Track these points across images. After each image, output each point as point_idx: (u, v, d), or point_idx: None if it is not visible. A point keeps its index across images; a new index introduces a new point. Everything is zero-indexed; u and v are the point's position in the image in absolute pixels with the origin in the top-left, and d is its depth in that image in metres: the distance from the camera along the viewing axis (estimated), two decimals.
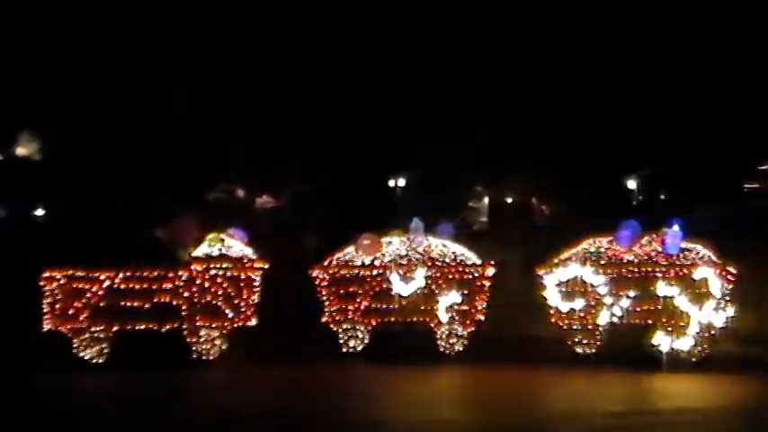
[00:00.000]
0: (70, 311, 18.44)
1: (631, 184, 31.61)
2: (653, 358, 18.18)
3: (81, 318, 18.44)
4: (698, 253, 18.53)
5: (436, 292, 18.94)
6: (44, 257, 19.36)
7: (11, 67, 28.83)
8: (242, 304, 18.71)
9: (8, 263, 21.11)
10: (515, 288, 20.41)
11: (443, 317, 18.86)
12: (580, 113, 29.25)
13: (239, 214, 25.92)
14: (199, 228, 19.52)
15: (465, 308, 18.94)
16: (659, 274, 18.42)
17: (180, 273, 18.60)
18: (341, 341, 19.07)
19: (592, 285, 18.58)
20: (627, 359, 18.05)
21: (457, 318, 18.93)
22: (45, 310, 18.46)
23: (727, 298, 18.23)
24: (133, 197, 27.07)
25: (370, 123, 29.45)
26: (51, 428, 14.06)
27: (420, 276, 18.98)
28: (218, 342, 18.72)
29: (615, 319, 18.54)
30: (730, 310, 18.22)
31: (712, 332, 18.24)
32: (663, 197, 31.15)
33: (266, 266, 18.91)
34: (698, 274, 18.28)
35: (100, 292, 18.46)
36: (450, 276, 19.01)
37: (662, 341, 18.24)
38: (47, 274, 18.50)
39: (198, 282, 18.60)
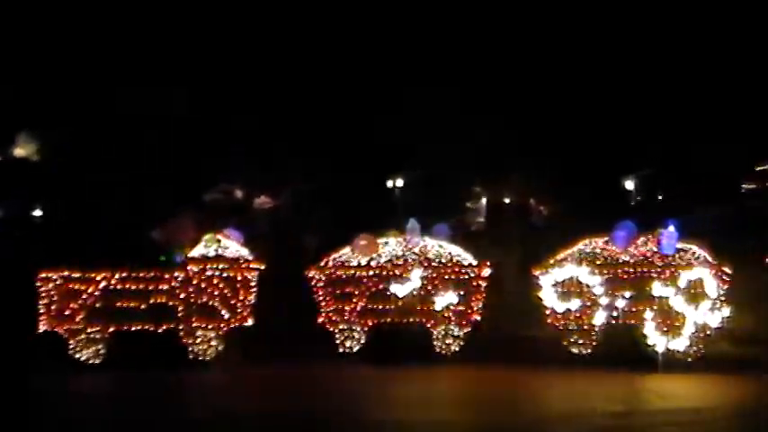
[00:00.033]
0: (66, 312, 18.48)
1: (629, 184, 31.57)
2: (648, 358, 18.20)
3: (77, 319, 18.48)
4: (693, 253, 18.55)
5: (432, 292, 18.97)
6: (43, 258, 19.39)
7: (10, 68, 28.86)
8: (238, 305, 18.75)
9: (7, 263, 21.10)
10: (511, 288, 20.41)
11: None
12: (578, 114, 29.24)
13: (236, 215, 25.94)
14: (196, 228, 19.54)
15: (461, 308, 18.98)
16: (655, 275, 18.45)
17: (176, 273, 18.63)
18: (337, 341, 19.11)
19: (588, 286, 18.61)
20: (622, 359, 18.07)
21: (453, 318, 18.96)
22: (41, 311, 18.49)
23: (723, 298, 18.25)
24: (132, 197, 27.07)
25: (369, 123, 29.44)
26: (48, 429, 14.08)
27: (416, 277, 19.02)
28: (214, 342, 18.74)
29: (611, 320, 18.56)
30: (725, 311, 18.23)
31: (708, 332, 18.26)
32: (660, 197, 31.12)
33: (262, 267, 18.94)
34: (693, 274, 18.29)
35: (96, 293, 18.50)
36: (447, 277, 19.04)
37: (657, 341, 18.25)
38: (43, 275, 18.53)
39: (194, 282, 18.63)
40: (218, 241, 18.84)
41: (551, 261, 18.90)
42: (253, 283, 18.84)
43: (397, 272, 19.07)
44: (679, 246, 18.60)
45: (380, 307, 19.09)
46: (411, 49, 30.04)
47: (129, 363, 18.06)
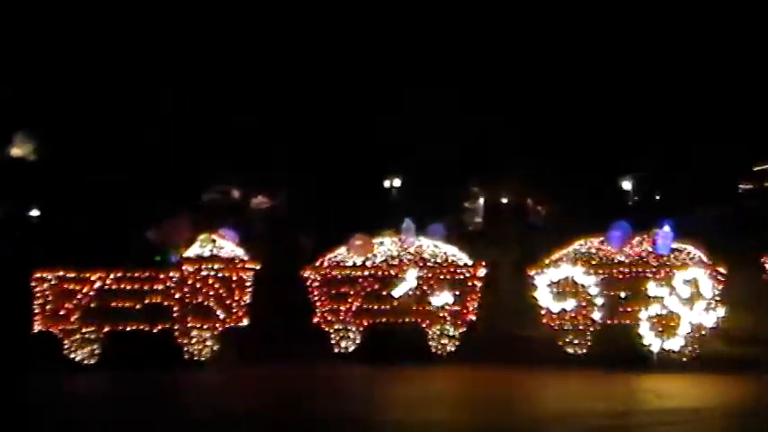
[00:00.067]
0: (61, 312, 18.42)
1: (627, 184, 31.65)
2: (644, 358, 18.19)
3: (72, 319, 18.41)
4: (689, 254, 18.54)
5: (428, 292, 18.96)
6: (40, 258, 19.36)
7: (10, 68, 28.87)
8: (233, 305, 18.71)
9: (5, 263, 21.08)
10: (507, 288, 20.39)
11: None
12: (576, 114, 29.27)
13: (233, 214, 25.94)
14: (191, 228, 19.51)
15: (457, 308, 18.96)
16: (650, 275, 18.44)
17: (171, 273, 18.62)
18: (333, 342, 19.10)
19: (583, 286, 18.60)
20: (618, 359, 18.06)
21: (449, 318, 18.95)
22: (36, 311, 18.43)
23: (718, 298, 18.23)
24: (130, 197, 27.08)
25: (366, 124, 29.47)
26: (43, 429, 14.10)
27: (411, 277, 19.00)
28: (209, 343, 18.69)
29: (607, 320, 18.55)
30: (721, 311, 18.21)
31: (703, 332, 18.25)
32: (658, 198, 31.17)
33: (258, 267, 18.92)
34: (688, 274, 18.28)
35: (91, 293, 18.43)
36: (442, 277, 19.02)
37: (653, 341, 18.25)
38: (37, 275, 18.46)
39: (189, 282, 18.61)
40: (214, 241, 18.82)
41: (546, 261, 18.88)
42: (248, 283, 18.78)
43: (392, 272, 19.06)
44: (674, 246, 18.59)
45: (376, 307, 19.03)
46: (407, 48, 30.08)
47: (124, 363, 17.99)
